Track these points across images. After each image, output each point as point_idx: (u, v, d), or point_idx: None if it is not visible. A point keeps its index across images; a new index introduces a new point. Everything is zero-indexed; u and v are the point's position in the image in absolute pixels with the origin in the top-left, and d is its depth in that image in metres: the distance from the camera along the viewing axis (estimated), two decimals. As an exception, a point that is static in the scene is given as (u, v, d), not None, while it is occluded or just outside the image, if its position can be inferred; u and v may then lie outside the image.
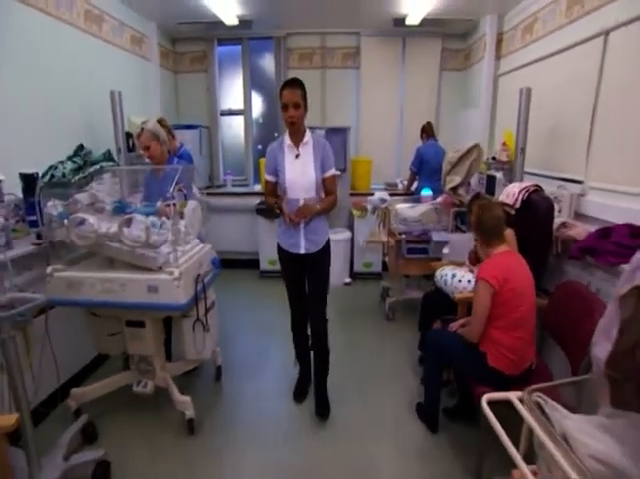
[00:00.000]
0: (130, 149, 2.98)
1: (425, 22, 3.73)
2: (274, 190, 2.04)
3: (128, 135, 2.91)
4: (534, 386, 1.02)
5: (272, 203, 2.00)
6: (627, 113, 2.08)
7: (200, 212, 2.05)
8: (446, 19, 3.73)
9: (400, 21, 3.76)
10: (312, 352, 2.14)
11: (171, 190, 1.77)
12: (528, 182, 2.27)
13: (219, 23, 3.75)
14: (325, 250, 2.04)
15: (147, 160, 2.38)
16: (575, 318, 1.61)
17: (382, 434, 1.97)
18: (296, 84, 1.85)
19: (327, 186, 1.99)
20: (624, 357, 0.98)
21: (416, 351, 2.52)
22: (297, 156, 1.94)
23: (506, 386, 1.50)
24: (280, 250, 2.07)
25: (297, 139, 1.94)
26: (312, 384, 2.18)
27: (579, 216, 2.28)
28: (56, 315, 1.89)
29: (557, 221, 2.14)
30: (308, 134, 1.96)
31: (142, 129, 2.14)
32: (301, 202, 1.92)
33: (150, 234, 1.70)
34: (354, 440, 1.93)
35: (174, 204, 1.84)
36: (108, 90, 2.69)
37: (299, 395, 2.24)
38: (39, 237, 1.94)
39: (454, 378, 2.09)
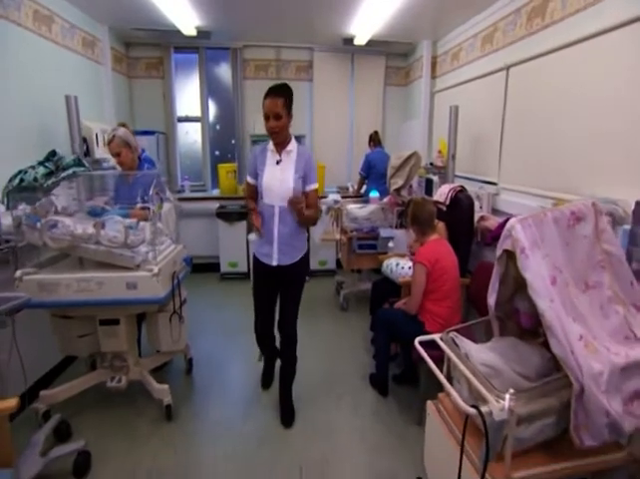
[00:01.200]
0: (86, 154, 3.07)
1: (371, 42, 4.23)
2: (254, 193, 2.05)
3: (83, 140, 3.02)
4: (449, 328, 1.44)
5: (252, 207, 2.05)
6: (523, 130, 2.69)
7: (174, 213, 2.30)
8: (389, 41, 4.28)
9: (349, 40, 4.24)
10: (279, 359, 2.19)
11: (150, 193, 2.00)
12: (455, 184, 2.81)
13: (176, 31, 3.96)
14: (301, 265, 2.03)
15: (112, 164, 2.54)
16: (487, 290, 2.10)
17: (341, 402, 2.33)
18: (278, 92, 1.82)
19: (309, 200, 1.95)
20: (505, 303, 1.44)
21: (368, 333, 2.93)
22: (278, 162, 1.94)
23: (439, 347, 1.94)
24: (254, 259, 2.09)
25: (281, 146, 1.95)
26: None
27: (495, 211, 2.84)
28: (19, 319, 1.82)
29: (477, 215, 2.67)
30: (294, 143, 1.97)
31: (113, 136, 2.30)
32: (276, 209, 1.93)
33: (128, 234, 1.92)
34: (316, 408, 2.27)
35: (152, 206, 2.07)
36: (60, 93, 2.71)
37: (266, 382, 2.44)
38: None
39: (400, 350, 2.52)
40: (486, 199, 2.90)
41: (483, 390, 1.09)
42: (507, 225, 1.27)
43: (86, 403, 2.24)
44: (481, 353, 1.30)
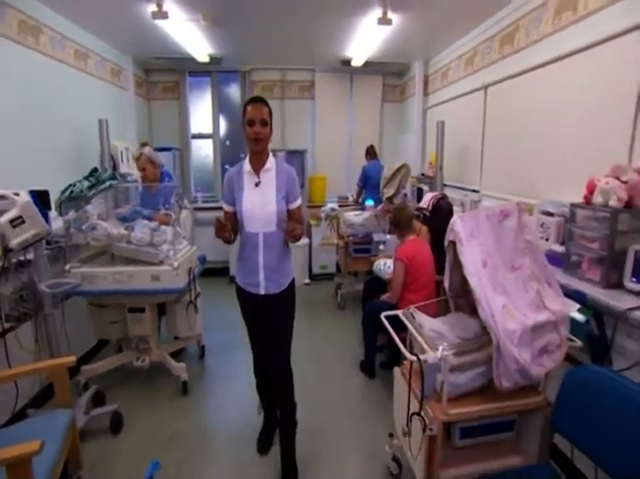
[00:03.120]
0: (113, 169, 3.58)
1: (368, 63, 4.68)
2: (233, 221, 1.86)
3: (111, 157, 3.53)
4: (411, 305, 1.81)
5: (228, 238, 1.81)
6: (499, 143, 3.07)
7: (191, 219, 2.75)
8: (385, 61, 4.73)
9: (347, 62, 4.72)
10: (277, 410, 1.99)
11: (172, 201, 2.46)
12: (437, 192, 3.19)
13: (191, 58, 4.50)
14: (289, 292, 1.90)
15: (135, 178, 3.00)
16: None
17: (334, 384, 2.71)
18: (263, 101, 1.77)
19: (294, 218, 1.84)
20: (457, 285, 1.81)
21: (361, 327, 3.29)
22: (257, 184, 1.79)
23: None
24: (238, 289, 1.93)
25: (258, 164, 1.81)
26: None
27: (474, 216, 3.20)
28: (65, 308, 2.36)
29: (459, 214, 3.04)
30: (271, 160, 1.84)
31: (141, 154, 2.81)
32: (260, 237, 1.78)
33: (153, 235, 2.38)
34: (313, 388, 2.64)
35: (172, 212, 2.53)
36: (93, 117, 3.25)
37: (263, 447, 2.10)
38: (48, 243, 2.36)
39: (386, 340, 2.87)
40: (469, 205, 3.27)
41: (424, 344, 1.46)
42: (451, 221, 1.66)
43: (115, 379, 2.69)
44: (432, 323, 1.66)
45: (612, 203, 1.61)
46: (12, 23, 2.56)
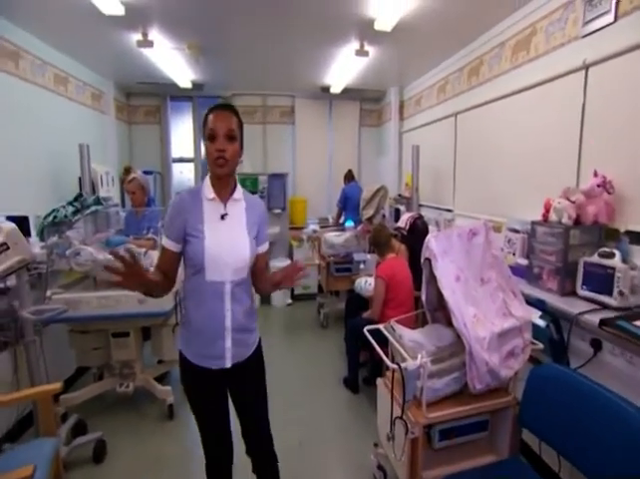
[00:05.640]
0: (92, 193, 3.64)
1: (346, 90, 4.99)
2: (172, 264, 1.40)
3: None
4: (392, 319, 1.97)
5: (146, 286, 1.32)
6: (470, 166, 3.35)
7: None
8: (362, 88, 5.06)
9: (326, 89, 5.01)
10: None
11: (158, 226, 2.57)
12: (414, 212, 3.42)
13: (173, 84, 4.67)
14: (258, 352, 1.53)
15: (116, 202, 3.09)
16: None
17: (319, 400, 2.80)
18: (231, 109, 1.37)
19: (261, 263, 1.51)
20: (433, 300, 1.99)
21: (344, 344, 3.42)
22: (223, 217, 1.38)
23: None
24: (185, 363, 1.45)
25: (225, 191, 1.40)
26: None
27: (449, 235, 3.44)
28: (42, 335, 2.21)
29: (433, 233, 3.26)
30: (240, 189, 1.45)
31: (134, 178, 2.93)
32: (227, 288, 1.37)
33: (140, 259, 2.46)
34: (298, 405, 2.72)
35: (157, 237, 2.63)
36: (72, 141, 3.29)
37: None
38: (28, 269, 2.28)
39: (369, 356, 3.01)
40: (444, 224, 3.51)
41: (404, 353, 1.62)
42: (425, 239, 1.85)
43: (97, 407, 2.67)
44: (411, 334, 1.82)
45: (564, 220, 1.85)
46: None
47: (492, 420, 1.72)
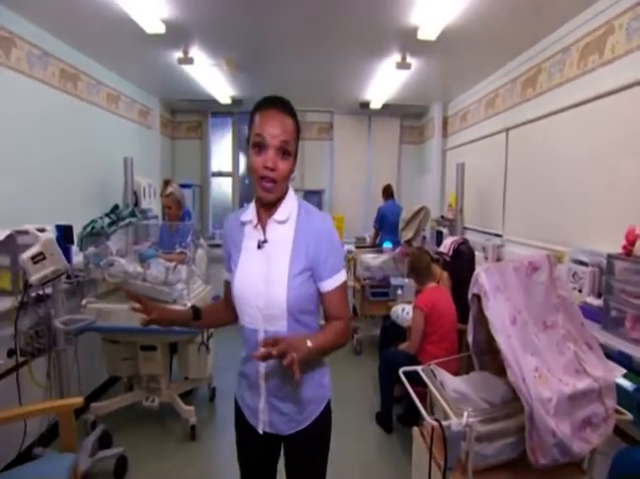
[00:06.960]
0: (134, 204, 3.69)
1: (386, 105, 4.80)
2: (230, 296, 1.17)
3: (134, 193, 3.64)
4: (430, 362, 1.70)
5: (182, 319, 1.29)
6: (523, 187, 3.01)
7: (206, 258, 2.75)
8: (403, 104, 4.84)
9: (365, 105, 4.84)
10: None
11: (188, 241, 2.48)
12: (458, 236, 3.11)
13: (214, 100, 4.70)
14: (317, 429, 1.18)
15: (155, 214, 3.07)
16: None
17: (350, 436, 2.55)
18: (286, 107, 1.07)
19: (329, 305, 1.12)
20: (483, 341, 1.70)
21: (377, 373, 3.13)
22: (260, 245, 1.08)
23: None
24: (237, 408, 1.26)
25: (268, 212, 1.09)
26: None
27: (500, 261, 3.09)
28: (78, 342, 2.35)
29: (483, 265, 2.93)
30: (291, 204, 1.10)
31: (171, 192, 2.90)
32: (260, 336, 1.07)
33: (169, 274, 2.37)
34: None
35: (188, 251, 2.54)
36: (119, 154, 3.43)
37: None
38: (68, 277, 2.48)
39: (405, 393, 2.70)
40: (492, 250, 3.17)
41: (447, 408, 1.34)
42: (475, 273, 1.58)
43: (123, 419, 2.63)
44: (454, 383, 1.54)
45: (654, 256, 1.51)
46: (54, 71, 2.76)
47: (558, 503, 1.39)
